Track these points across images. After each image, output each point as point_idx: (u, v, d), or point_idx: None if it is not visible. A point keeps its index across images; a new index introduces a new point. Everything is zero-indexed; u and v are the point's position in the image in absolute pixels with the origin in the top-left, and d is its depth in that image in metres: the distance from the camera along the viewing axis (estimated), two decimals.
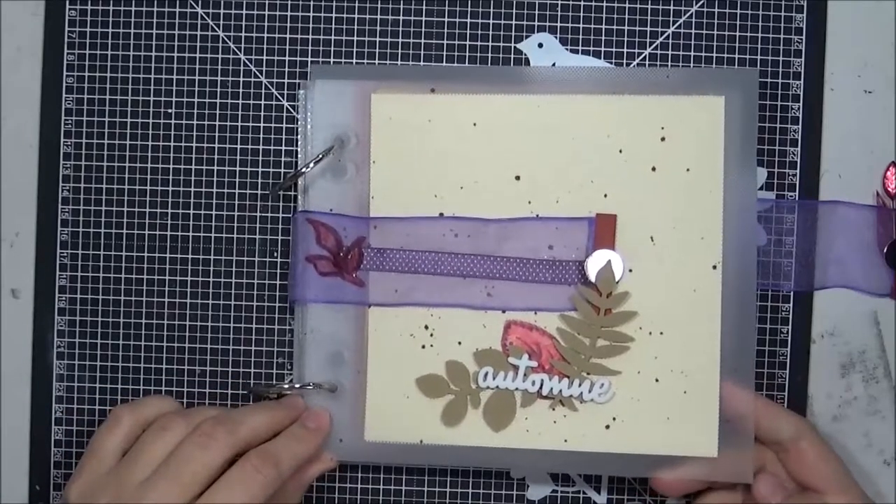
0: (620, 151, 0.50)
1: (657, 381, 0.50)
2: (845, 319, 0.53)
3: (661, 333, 0.50)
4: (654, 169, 0.50)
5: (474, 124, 0.51)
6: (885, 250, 0.52)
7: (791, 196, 0.53)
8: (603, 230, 0.50)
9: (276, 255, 0.53)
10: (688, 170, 0.50)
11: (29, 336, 0.54)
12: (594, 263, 0.50)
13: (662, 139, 0.50)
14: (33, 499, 0.54)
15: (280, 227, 0.53)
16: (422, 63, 0.53)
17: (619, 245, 0.50)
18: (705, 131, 0.50)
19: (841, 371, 0.53)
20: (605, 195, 0.51)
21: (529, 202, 0.51)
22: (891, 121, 0.53)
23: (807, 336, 0.53)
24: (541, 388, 0.51)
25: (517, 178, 0.51)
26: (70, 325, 0.54)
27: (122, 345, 0.54)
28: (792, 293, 0.53)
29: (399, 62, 0.53)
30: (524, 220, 0.51)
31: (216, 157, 0.53)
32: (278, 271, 0.53)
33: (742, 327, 0.50)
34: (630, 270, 0.51)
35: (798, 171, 0.53)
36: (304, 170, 0.51)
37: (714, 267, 0.50)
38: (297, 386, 0.51)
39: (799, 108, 0.53)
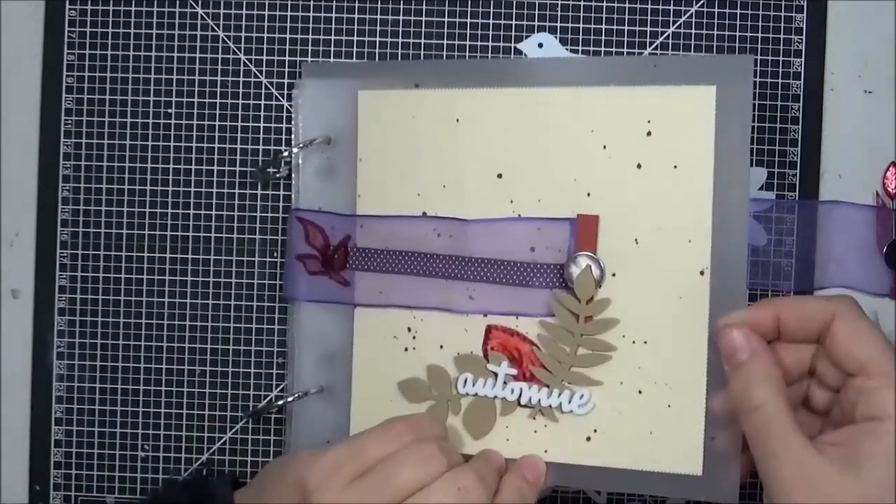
0: (604, 147, 0.48)
1: (640, 392, 0.48)
2: None
3: (645, 342, 0.48)
4: (639, 166, 0.47)
5: (457, 120, 0.49)
6: (884, 250, 0.52)
7: (791, 196, 0.53)
8: (584, 232, 0.48)
9: (275, 255, 0.53)
10: (675, 167, 0.47)
11: (29, 336, 0.54)
12: (573, 267, 0.48)
13: (648, 133, 0.47)
14: (33, 499, 0.54)
15: (280, 227, 0.53)
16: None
17: (601, 247, 0.48)
18: (694, 125, 0.46)
19: None
20: (588, 194, 0.48)
21: (511, 201, 0.49)
22: (891, 121, 0.53)
23: None
24: (520, 396, 0.49)
25: (499, 176, 0.49)
26: (70, 325, 0.54)
27: (122, 345, 0.54)
28: (792, 293, 0.53)
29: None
30: (506, 220, 0.49)
31: (216, 157, 0.53)
32: (278, 271, 0.53)
33: None
34: (613, 275, 0.48)
35: (798, 171, 0.53)
36: (289, 152, 0.51)
37: (701, 273, 0.47)
38: (289, 400, 0.51)
39: (799, 108, 0.53)
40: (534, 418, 0.49)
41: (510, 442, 0.49)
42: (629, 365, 0.48)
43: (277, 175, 0.52)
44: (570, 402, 0.48)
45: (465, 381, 0.49)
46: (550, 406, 0.48)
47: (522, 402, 0.49)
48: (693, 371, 0.47)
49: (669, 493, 0.48)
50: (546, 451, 0.49)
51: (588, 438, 0.48)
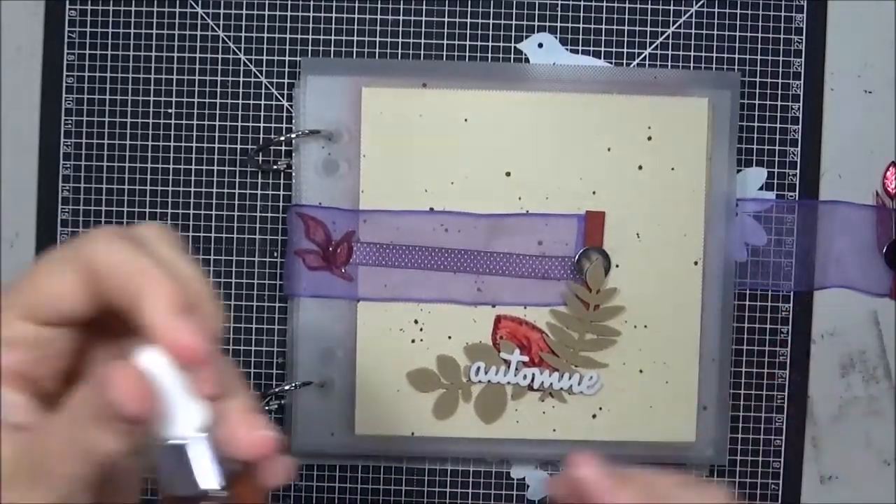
0: (609, 150, 0.52)
1: (641, 372, 0.52)
2: (845, 319, 0.53)
3: (646, 327, 0.52)
4: (640, 168, 0.52)
5: (465, 120, 0.51)
6: (884, 250, 0.52)
7: (791, 196, 0.53)
8: (592, 227, 0.52)
9: (275, 254, 0.53)
10: (672, 169, 0.52)
11: None
12: (584, 260, 0.52)
13: (649, 139, 0.52)
14: None
15: (280, 227, 0.53)
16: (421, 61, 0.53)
17: (606, 241, 0.52)
18: (690, 132, 0.52)
19: (841, 371, 0.53)
20: (594, 192, 0.52)
21: (519, 198, 0.52)
22: (891, 121, 0.53)
23: (807, 336, 0.53)
24: (532, 381, 0.52)
25: (507, 174, 0.52)
26: None
27: None
28: (792, 293, 0.53)
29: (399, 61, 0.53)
30: (514, 216, 0.52)
31: (216, 156, 0.53)
32: (278, 271, 0.53)
33: (721, 320, 0.52)
34: (616, 266, 0.52)
35: (798, 171, 0.53)
36: (286, 138, 0.52)
37: (695, 263, 0.52)
38: (286, 388, 0.52)
39: (799, 108, 0.53)
40: (543, 400, 0.52)
41: (520, 424, 0.52)
42: (631, 347, 0.52)
43: (273, 165, 0.52)
44: (580, 383, 0.52)
45: (478, 369, 0.52)
46: (561, 389, 0.52)
47: (535, 387, 0.52)
48: (687, 350, 0.52)
49: (667, 459, 0.53)
50: (554, 430, 0.52)
51: (594, 416, 0.53)
